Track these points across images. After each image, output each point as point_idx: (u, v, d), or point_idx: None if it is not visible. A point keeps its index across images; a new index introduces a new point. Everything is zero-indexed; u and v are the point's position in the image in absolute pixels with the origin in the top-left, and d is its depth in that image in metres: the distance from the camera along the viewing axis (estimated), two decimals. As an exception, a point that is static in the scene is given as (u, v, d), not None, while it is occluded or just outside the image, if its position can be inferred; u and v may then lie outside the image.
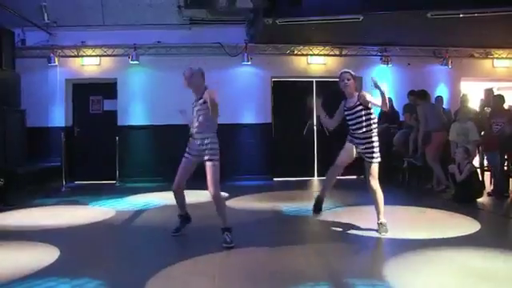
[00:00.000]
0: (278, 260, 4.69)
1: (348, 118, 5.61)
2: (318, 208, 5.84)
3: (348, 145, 5.62)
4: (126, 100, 11.14)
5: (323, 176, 9.19)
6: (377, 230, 5.56)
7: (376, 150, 5.52)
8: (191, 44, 11.00)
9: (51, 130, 10.89)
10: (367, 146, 5.51)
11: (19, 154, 9.71)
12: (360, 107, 5.49)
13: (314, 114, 11.27)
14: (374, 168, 5.52)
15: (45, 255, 4.81)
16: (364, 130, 5.48)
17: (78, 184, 10.86)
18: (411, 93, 10.00)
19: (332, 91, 11.49)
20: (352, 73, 5.66)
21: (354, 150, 5.58)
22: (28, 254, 4.98)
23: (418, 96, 9.32)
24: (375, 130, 5.53)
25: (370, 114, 5.49)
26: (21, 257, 4.89)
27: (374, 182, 5.53)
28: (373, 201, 5.61)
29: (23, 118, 10.06)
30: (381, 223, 5.55)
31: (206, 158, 5.22)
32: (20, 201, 8.09)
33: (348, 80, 5.59)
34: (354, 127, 5.55)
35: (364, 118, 5.47)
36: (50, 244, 5.22)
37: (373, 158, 5.51)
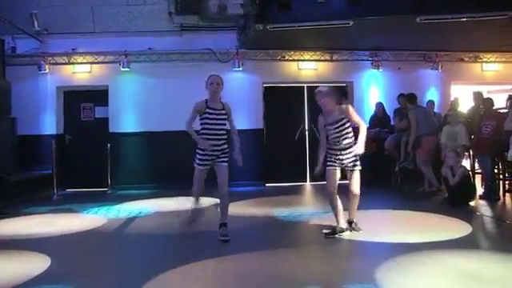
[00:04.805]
0: (271, 265, 4.68)
1: (331, 132, 5.59)
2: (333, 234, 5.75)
3: (331, 170, 5.62)
4: (118, 107, 11.12)
5: (315, 181, 9.22)
6: (352, 229, 5.76)
7: (358, 157, 5.60)
8: (182, 50, 11.01)
9: (42, 137, 10.82)
10: (352, 154, 5.55)
11: (10, 162, 9.66)
12: (344, 120, 5.54)
13: (305, 119, 11.34)
14: (358, 174, 5.64)
15: (36, 264, 4.78)
16: (350, 140, 5.55)
17: (69, 192, 10.80)
18: (401, 95, 10.07)
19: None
20: (323, 90, 5.63)
21: (338, 170, 5.65)
22: (19, 263, 4.95)
23: (408, 100, 9.38)
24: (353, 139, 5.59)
25: (350, 124, 5.56)
26: (12, 266, 4.85)
27: (357, 188, 5.65)
28: (351, 203, 5.73)
29: (14, 126, 10.02)
30: (355, 222, 5.83)
31: (221, 159, 5.59)
32: (11, 209, 8.05)
33: (322, 100, 5.59)
34: (339, 140, 5.55)
35: (349, 129, 5.55)
36: (42, 252, 5.18)
37: (357, 165, 5.60)
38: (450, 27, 9.15)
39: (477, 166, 8.89)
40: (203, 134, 5.54)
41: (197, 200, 5.91)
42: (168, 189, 9.97)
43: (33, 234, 6.32)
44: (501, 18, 8.54)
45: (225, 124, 5.67)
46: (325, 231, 5.76)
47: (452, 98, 10.98)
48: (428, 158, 8.85)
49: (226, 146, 5.64)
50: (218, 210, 5.81)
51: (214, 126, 5.56)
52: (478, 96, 9.38)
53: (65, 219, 7.61)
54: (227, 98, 11.38)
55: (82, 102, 11.38)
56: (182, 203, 8.49)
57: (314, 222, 6.64)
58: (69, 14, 10.63)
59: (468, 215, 6.84)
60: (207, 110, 5.56)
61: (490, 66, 12.30)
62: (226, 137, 5.64)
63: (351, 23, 8.81)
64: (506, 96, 9.75)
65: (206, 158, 5.57)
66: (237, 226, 6.21)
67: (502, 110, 8.99)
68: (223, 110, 5.65)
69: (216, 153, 5.56)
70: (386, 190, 9.60)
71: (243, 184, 10.69)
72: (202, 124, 5.57)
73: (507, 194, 8.16)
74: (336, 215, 5.71)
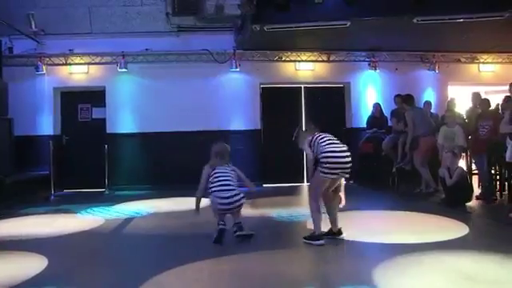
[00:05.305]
0: (268, 266, 4.68)
1: None
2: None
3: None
4: (115, 108, 11.11)
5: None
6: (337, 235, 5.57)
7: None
8: (179, 51, 11.01)
9: (39, 138, 10.81)
10: None
11: (7, 163, 9.65)
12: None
13: (302, 120, 11.35)
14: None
15: (33, 265, 4.76)
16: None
17: (66, 193, 10.78)
18: (397, 96, 10.08)
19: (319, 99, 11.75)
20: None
21: None
22: (16, 264, 4.94)
23: (404, 101, 9.39)
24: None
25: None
26: (8, 267, 4.84)
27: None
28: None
29: (11, 126, 10.00)
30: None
31: None
32: (8, 210, 8.03)
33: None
34: None
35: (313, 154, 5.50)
36: (38, 253, 5.17)
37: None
38: (446, 28, 9.17)
39: (474, 166, 8.89)
40: None
41: None
42: (165, 190, 9.97)
43: (30, 234, 6.31)
44: (497, 18, 8.56)
45: None
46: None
47: (449, 99, 10.99)
48: (425, 159, 8.85)
49: None
50: None
51: None
52: (476, 97, 9.40)
53: (62, 220, 7.60)
54: (224, 98, 11.53)
55: (80, 103, 11.37)
56: (178, 204, 8.52)
57: (312, 223, 6.62)
58: (66, 14, 10.63)
59: (465, 216, 6.85)
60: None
61: (487, 66, 12.33)
62: None
63: (348, 24, 8.82)
64: (502, 97, 9.74)
65: None
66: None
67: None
68: None
69: None
70: (383, 191, 9.60)
71: (240, 185, 10.69)
72: None
73: (504, 195, 8.16)
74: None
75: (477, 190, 8.37)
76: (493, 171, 8.40)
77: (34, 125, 10.89)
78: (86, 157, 10.97)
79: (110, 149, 10.83)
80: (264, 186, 11.15)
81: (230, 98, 11.17)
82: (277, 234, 6.18)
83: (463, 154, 8.98)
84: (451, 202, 7.53)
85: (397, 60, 11.77)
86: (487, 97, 9.64)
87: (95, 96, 11.19)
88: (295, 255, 5.15)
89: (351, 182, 10.53)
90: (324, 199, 5.54)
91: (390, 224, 6.71)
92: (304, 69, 11.65)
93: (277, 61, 11.53)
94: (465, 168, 8.58)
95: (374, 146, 10.35)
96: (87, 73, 11.18)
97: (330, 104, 11.63)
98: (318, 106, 11.55)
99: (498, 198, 8.11)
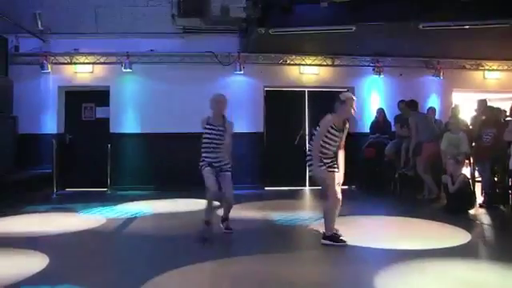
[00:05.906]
0: (268, 269, 4.68)
1: (336, 139, 5.75)
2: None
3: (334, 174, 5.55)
4: (119, 108, 11.11)
5: (314, 185, 9.21)
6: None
7: None
8: (184, 53, 11.01)
9: (43, 136, 10.81)
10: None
11: (10, 160, 9.68)
12: (346, 130, 5.92)
13: (305, 123, 11.34)
14: None
15: (34, 263, 4.78)
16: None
17: (69, 191, 10.79)
18: (401, 102, 10.07)
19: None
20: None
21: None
22: (17, 262, 4.95)
23: (408, 106, 9.38)
24: None
25: None
26: (9, 264, 4.85)
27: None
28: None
29: (15, 124, 10.04)
30: None
31: (224, 169, 6.09)
32: (10, 208, 8.04)
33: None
34: (335, 146, 5.74)
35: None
36: (40, 252, 5.18)
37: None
38: (452, 34, 9.16)
39: (477, 173, 8.87)
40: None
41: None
42: (167, 190, 9.98)
43: (31, 232, 6.33)
44: (503, 26, 8.56)
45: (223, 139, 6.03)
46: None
47: (453, 106, 10.97)
48: (428, 165, 8.84)
49: (224, 157, 6.14)
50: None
51: (210, 140, 5.98)
52: (481, 104, 9.37)
53: (64, 218, 7.62)
54: (228, 100, 11.44)
55: (84, 102, 11.37)
56: (180, 205, 8.54)
57: (313, 226, 6.62)
58: (72, 14, 10.66)
59: (467, 223, 6.83)
60: (207, 125, 6.02)
61: (492, 73, 12.28)
62: (224, 151, 6.14)
63: (353, 29, 8.81)
64: (508, 104, 9.71)
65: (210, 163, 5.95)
66: (235, 229, 6.21)
67: (508, 118, 8.98)
68: (223, 126, 6.14)
69: (215, 164, 5.97)
70: (386, 196, 9.59)
71: (242, 187, 10.67)
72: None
73: (507, 203, 8.14)
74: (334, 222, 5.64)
75: (480, 198, 8.36)
76: (496, 179, 8.38)
77: (37, 123, 10.89)
78: (88, 156, 10.98)
79: (113, 148, 10.85)
80: (266, 188, 11.15)
81: (233, 100, 11.05)
82: (278, 237, 6.18)
83: (466, 161, 8.97)
84: (453, 209, 7.51)
85: (401, 65, 11.73)
86: (492, 104, 9.61)
87: (99, 96, 11.20)
88: (296, 259, 5.14)
89: (353, 186, 10.56)
90: None
91: (392, 230, 6.70)
92: (308, 73, 11.62)
93: (281, 64, 11.52)
94: (468, 175, 8.56)
95: (377, 151, 10.33)
96: (92, 72, 11.18)
97: (333, 108, 11.59)
98: (322, 110, 11.52)
99: (501, 205, 8.08)
